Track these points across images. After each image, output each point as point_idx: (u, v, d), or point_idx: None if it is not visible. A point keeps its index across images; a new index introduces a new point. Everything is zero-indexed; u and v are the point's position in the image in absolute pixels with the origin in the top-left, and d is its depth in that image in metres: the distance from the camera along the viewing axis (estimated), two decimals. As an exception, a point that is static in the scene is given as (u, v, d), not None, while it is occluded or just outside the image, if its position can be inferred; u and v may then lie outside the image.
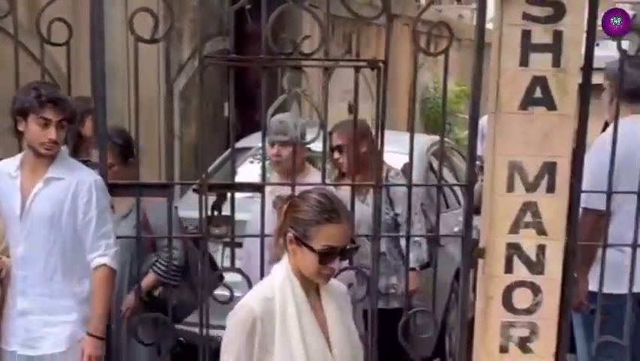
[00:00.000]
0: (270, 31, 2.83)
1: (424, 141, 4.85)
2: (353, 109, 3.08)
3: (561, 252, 2.93)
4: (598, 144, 3.24)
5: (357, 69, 2.95)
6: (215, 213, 3.03)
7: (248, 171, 4.46)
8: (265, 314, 2.07)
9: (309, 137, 3.20)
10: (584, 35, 2.87)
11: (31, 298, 2.94)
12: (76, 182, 2.90)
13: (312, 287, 2.15)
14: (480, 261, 3.00)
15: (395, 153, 3.85)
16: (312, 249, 2.06)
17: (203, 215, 2.95)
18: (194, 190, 3.01)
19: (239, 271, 3.07)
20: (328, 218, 2.07)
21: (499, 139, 2.88)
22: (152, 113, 4.69)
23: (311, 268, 2.09)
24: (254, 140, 3.76)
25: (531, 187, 2.88)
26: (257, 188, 3.01)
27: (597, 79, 3.19)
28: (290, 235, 2.10)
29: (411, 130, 3.09)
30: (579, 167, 2.96)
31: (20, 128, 2.86)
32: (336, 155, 3.89)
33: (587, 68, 2.92)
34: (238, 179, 3.47)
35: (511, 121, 2.86)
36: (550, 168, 2.86)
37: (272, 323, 2.07)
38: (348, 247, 2.11)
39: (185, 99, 6.29)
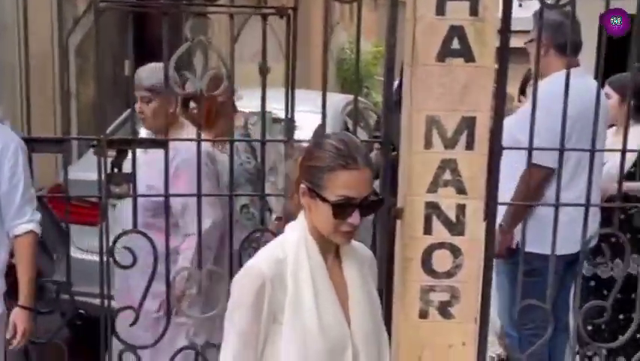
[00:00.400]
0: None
1: (339, 100, 4.76)
2: (264, 71, 2.92)
3: (482, 212, 2.85)
4: (547, 99, 3.15)
5: (264, 17, 2.77)
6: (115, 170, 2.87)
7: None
8: (275, 278, 1.92)
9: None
10: None
11: None
12: (1, 146, 2.76)
13: (331, 249, 2.01)
14: (398, 222, 2.91)
15: (307, 112, 3.72)
16: (326, 200, 1.89)
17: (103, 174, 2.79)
18: (91, 146, 2.82)
19: (141, 232, 2.87)
20: (343, 164, 1.89)
21: (415, 93, 2.75)
22: (45, 70, 4.38)
23: (327, 223, 1.92)
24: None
25: (450, 143, 2.77)
26: (160, 144, 2.81)
27: (516, 42, 3.17)
28: (303, 186, 1.94)
29: (323, 87, 2.96)
30: (499, 122, 2.88)
31: None
32: (192, 105, 3.71)
33: (506, 20, 2.82)
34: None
35: (428, 74, 2.73)
36: (469, 123, 2.75)
37: (282, 289, 1.92)
38: (370, 198, 1.92)
39: (82, 56, 6.02)
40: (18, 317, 2.84)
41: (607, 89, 4.03)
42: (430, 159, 2.79)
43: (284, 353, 1.92)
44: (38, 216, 2.89)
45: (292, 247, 1.96)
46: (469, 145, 2.77)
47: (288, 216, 2.06)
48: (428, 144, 2.77)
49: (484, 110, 2.76)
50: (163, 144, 2.78)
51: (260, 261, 1.96)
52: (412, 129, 2.77)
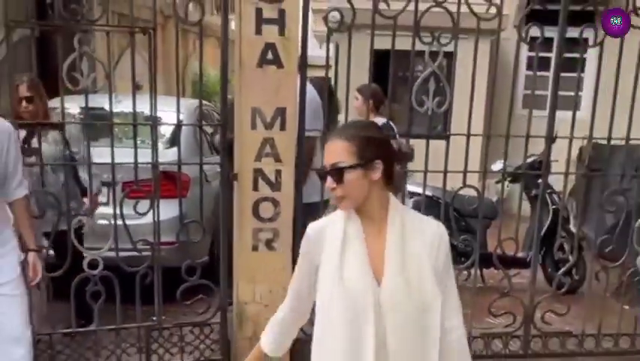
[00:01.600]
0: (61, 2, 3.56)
1: (191, 103, 5.76)
2: (138, 87, 3.93)
3: (292, 174, 3.92)
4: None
5: (131, 34, 3.77)
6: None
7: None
8: (317, 239, 2.21)
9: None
10: (300, 12, 3.86)
11: None
12: (5, 134, 3.27)
13: (374, 218, 2.17)
14: (235, 183, 3.93)
15: (167, 111, 4.62)
16: None
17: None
18: None
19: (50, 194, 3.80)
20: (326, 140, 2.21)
21: (243, 90, 3.80)
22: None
23: None
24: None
25: (268, 126, 3.82)
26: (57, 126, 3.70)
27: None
28: None
29: (177, 94, 4.04)
30: (302, 111, 3.99)
31: None
32: (25, 104, 4.40)
33: (304, 39, 3.95)
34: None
35: (251, 76, 3.76)
36: (281, 112, 3.81)
37: (320, 247, 2.20)
38: (338, 165, 2.11)
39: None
40: (34, 258, 3.49)
41: (355, 93, 5.28)
42: (255, 137, 3.82)
43: (319, 296, 2.21)
44: (26, 181, 3.47)
45: (338, 219, 2.21)
46: (282, 127, 3.83)
47: None
48: (254, 127, 3.81)
49: (291, 102, 3.85)
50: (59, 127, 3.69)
51: (312, 224, 2.26)
52: (242, 117, 3.81)
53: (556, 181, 4.83)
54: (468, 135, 4.07)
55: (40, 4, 3.70)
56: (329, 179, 2.12)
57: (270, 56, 3.75)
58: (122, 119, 4.94)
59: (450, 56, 4.12)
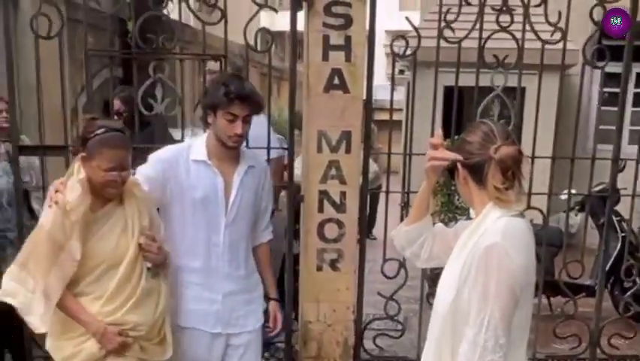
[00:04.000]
0: (137, 33, 3.83)
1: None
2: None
3: (357, 196, 4.02)
4: None
5: (203, 60, 4.01)
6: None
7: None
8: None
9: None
10: (366, 38, 4.01)
11: (235, 280, 3.24)
12: (262, 168, 3.35)
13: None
14: (301, 205, 4.06)
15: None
16: None
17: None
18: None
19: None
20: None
21: (310, 114, 3.95)
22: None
23: None
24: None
25: (334, 149, 3.93)
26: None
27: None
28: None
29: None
30: (367, 134, 4.13)
31: (209, 120, 3.09)
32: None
33: (370, 65, 4.09)
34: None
35: (317, 101, 3.90)
36: (347, 136, 3.92)
37: None
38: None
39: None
40: (276, 308, 3.46)
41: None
42: (321, 160, 3.95)
43: None
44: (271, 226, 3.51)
45: None
46: (348, 150, 3.94)
47: None
48: (319, 150, 3.93)
49: (356, 126, 3.95)
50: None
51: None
52: (309, 140, 3.95)
53: (625, 209, 4.82)
54: (533, 157, 4.11)
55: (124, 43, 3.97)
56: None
57: (336, 81, 3.88)
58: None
59: (522, 90, 4.18)
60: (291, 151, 4.09)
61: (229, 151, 3.13)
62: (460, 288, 2.13)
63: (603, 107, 4.45)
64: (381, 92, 6.98)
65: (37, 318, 2.75)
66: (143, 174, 3.10)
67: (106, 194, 2.85)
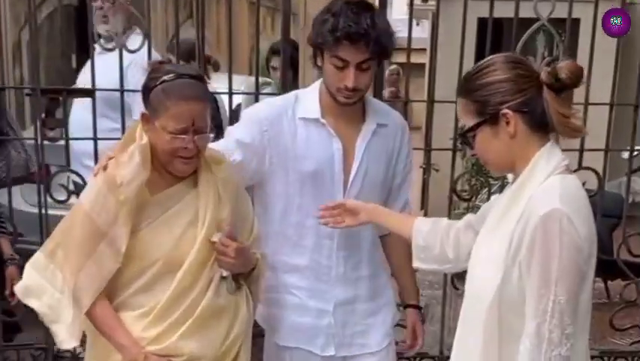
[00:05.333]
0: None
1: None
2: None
3: None
4: None
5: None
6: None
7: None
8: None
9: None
10: None
11: (354, 284, 2.54)
12: (397, 127, 2.56)
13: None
14: None
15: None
16: None
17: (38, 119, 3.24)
18: (27, 94, 3.29)
19: (74, 172, 3.34)
20: None
21: (309, 51, 3.34)
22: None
23: None
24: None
25: None
26: (87, 93, 3.33)
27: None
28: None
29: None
30: (380, 78, 3.47)
31: (319, 63, 2.38)
32: None
33: None
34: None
35: None
36: None
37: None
38: None
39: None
40: (415, 317, 2.70)
41: None
42: None
43: None
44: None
45: None
46: None
47: None
48: None
49: None
50: (89, 93, 3.29)
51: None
52: (307, 82, 3.29)
53: None
54: (586, 104, 3.42)
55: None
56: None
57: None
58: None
59: (574, 22, 3.57)
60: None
61: (348, 106, 2.39)
62: (508, 270, 1.82)
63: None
64: (401, 27, 6.17)
65: (63, 328, 2.14)
66: (235, 138, 2.42)
67: (174, 170, 2.17)
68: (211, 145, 2.26)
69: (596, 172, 3.56)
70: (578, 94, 3.48)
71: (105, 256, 2.10)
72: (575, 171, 3.46)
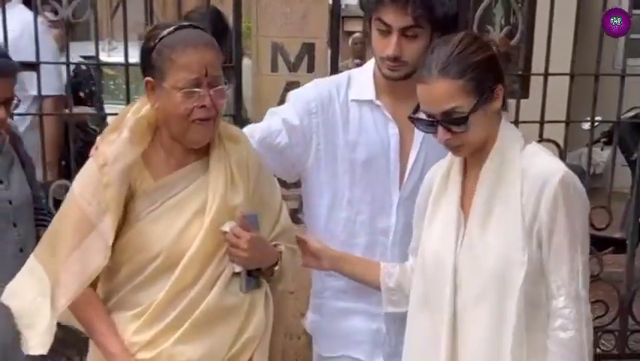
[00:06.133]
0: None
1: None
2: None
3: None
4: None
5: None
6: None
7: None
8: (428, 181, 2.00)
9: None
10: None
11: None
12: None
13: (483, 152, 1.86)
14: None
15: None
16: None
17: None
18: None
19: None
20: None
21: (261, 22, 3.26)
22: None
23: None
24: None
25: (293, 67, 3.27)
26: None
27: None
28: None
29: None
30: (335, 48, 3.41)
31: (368, 31, 2.17)
32: None
33: None
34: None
35: (271, 4, 3.22)
36: (309, 49, 3.26)
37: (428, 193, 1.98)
38: (453, 115, 1.80)
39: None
40: None
41: None
42: (277, 82, 3.27)
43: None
44: None
45: (451, 156, 1.93)
46: (310, 68, 3.27)
47: None
48: (274, 69, 3.27)
49: (321, 37, 3.27)
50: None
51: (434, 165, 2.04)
52: (259, 56, 3.27)
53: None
54: (546, 75, 3.38)
55: None
56: (440, 130, 1.79)
57: (295, -23, 3.22)
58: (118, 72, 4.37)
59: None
60: (237, 71, 3.37)
61: (404, 83, 2.09)
62: (529, 245, 1.76)
63: (635, 11, 3.78)
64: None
65: (36, 334, 1.89)
66: (282, 117, 2.20)
67: (192, 140, 1.90)
68: (253, 126, 2.08)
69: (557, 144, 3.53)
70: (539, 65, 3.50)
71: (92, 250, 1.84)
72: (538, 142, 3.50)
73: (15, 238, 2.41)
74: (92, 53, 3.55)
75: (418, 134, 2.14)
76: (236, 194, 1.94)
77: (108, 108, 3.40)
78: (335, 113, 2.18)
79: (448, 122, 1.77)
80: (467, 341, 1.81)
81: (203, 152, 1.95)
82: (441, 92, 1.76)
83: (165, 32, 1.86)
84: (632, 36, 3.64)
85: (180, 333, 1.87)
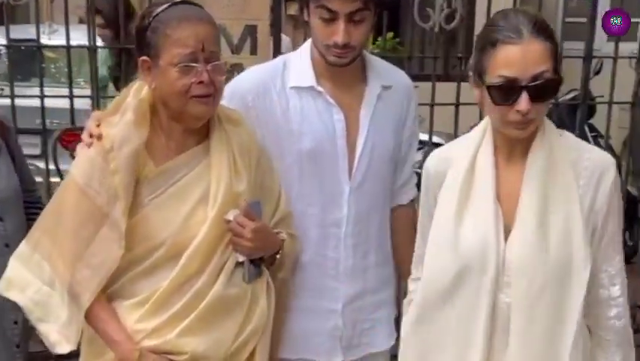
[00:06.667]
0: None
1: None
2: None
3: None
4: None
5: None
6: None
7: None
8: (438, 175, 1.80)
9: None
10: None
11: (363, 275, 2.18)
12: (404, 88, 2.20)
13: (516, 149, 1.72)
14: None
15: None
16: (485, 85, 1.65)
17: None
18: None
19: None
20: (500, 38, 1.60)
21: (204, 2, 3.17)
22: None
23: (492, 113, 1.66)
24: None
25: (236, 49, 3.26)
26: None
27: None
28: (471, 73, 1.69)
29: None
30: (277, 30, 3.43)
31: (305, 17, 2.05)
32: None
33: None
34: None
35: None
36: (251, 31, 3.25)
37: (439, 187, 1.80)
38: (544, 77, 1.59)
39: None
40: None
41: None
42: None
43: (427, 253, 1.80)
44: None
45: (468, 143, 1.77)
46: (253, 50, 3.27)
47: None
48: None
49: (264, 19, 3.27)
50: None
51: (432, 156, 1.87)
52: None
53: (602, 122, 4.13)
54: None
55: None
56: (524, 97, 1.58)
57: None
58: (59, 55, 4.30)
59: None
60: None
61: (346, 68, 2.03)
62: (588, 234, 1.67)
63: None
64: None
65: (55, 328, 1.82)
66: None
67: (191, 117, 1.84)
68: None
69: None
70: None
71: (109, 242, 1.78)
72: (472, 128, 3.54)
73: (1, 232, 2.26)
74: (33, 36, 3.48)
75: (364, 120, 2.08)
76: (239, 181, 1.89)
77: (49, 91, 3.32)
78: (272, 102, 2.08)
79: (538, 87, 1.58)
80: (519, 341, 1.66)
81: (204, 134, 1.91)
82: (534, 53, 1.58)
83: (160, 9, 1.81)
84: (568, 19, 3.70)
85: (185, 324, 1.82)
